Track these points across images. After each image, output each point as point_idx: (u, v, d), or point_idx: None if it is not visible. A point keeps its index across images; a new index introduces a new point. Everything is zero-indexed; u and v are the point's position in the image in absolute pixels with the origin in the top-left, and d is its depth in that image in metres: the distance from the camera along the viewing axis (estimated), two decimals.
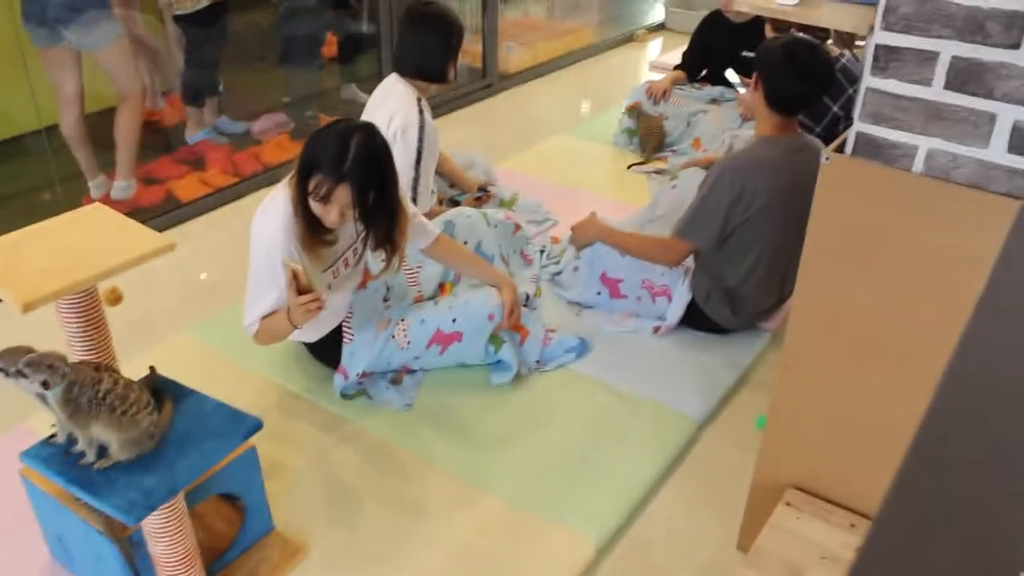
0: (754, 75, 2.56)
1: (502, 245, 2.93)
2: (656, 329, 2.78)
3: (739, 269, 2.65)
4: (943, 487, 0.55)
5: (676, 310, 2.74)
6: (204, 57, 4.13)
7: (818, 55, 2.52)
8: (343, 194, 2.11)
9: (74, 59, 3.34)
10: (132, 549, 1.74)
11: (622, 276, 2.83)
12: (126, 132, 3.55)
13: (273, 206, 2.23)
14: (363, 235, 2.37)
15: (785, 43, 2.55)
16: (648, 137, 4.06)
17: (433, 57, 2.94)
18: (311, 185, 2.12)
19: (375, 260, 2.49)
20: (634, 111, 4.14)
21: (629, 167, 4.02)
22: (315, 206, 2.15)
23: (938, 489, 0.55)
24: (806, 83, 2.49)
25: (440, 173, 3.36)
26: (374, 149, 2.14)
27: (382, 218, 2.24)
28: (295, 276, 2.10)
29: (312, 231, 2.20)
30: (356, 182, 2.10)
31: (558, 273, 3.02)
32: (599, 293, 2.88)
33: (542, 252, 3.16)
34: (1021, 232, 1.03)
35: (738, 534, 2.04)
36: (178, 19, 3.94)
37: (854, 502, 1.78)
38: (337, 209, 2.14)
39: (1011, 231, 1.07)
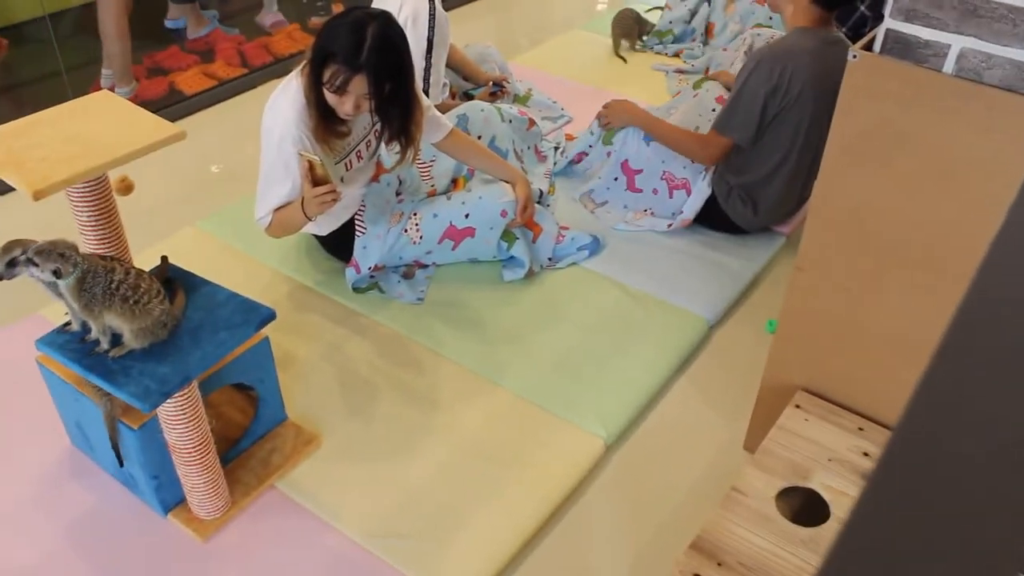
0: None
1: (516, 140, 2.89)
2: (669, 225, 2.76)
3: (765, 166, 2.60)
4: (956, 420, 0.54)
5: (694, 205, 2.70)
6: None
7: None
8: (359, 84, 2.07)
9: None
10: (116, 431, 1.76)
11: (643, 168, 2.79)
12: (111, 37, 3.43)
13: (285, 97, 2.19)
14: (376, 127, 2.33)
15: None
16: (615, 30, 4.01)
17: None
18: (326, 75, 2.08)
19: (388, 153, 2.46)
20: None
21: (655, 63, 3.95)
22: (330, 96, 2.11)
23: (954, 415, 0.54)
24: None
25: (452, 66, 3.29)
26: (391, 38, 2.09)
27: (397, 110, 2.20)
28: (311, 167, 2.08)
29: (325, 122, 2.17)
30: (372, 72, 2.06)
31: (576, 162, 2.99)
32: (616, 179, 2.84)
33: (556, 149, 3.11)
34: None
35: (745, 434, 2.06)
36: None
37: (863, 406, 1.80)
38: (352, 99, 2.10)
39: None
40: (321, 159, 2.09)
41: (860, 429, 1.77)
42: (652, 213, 2.81)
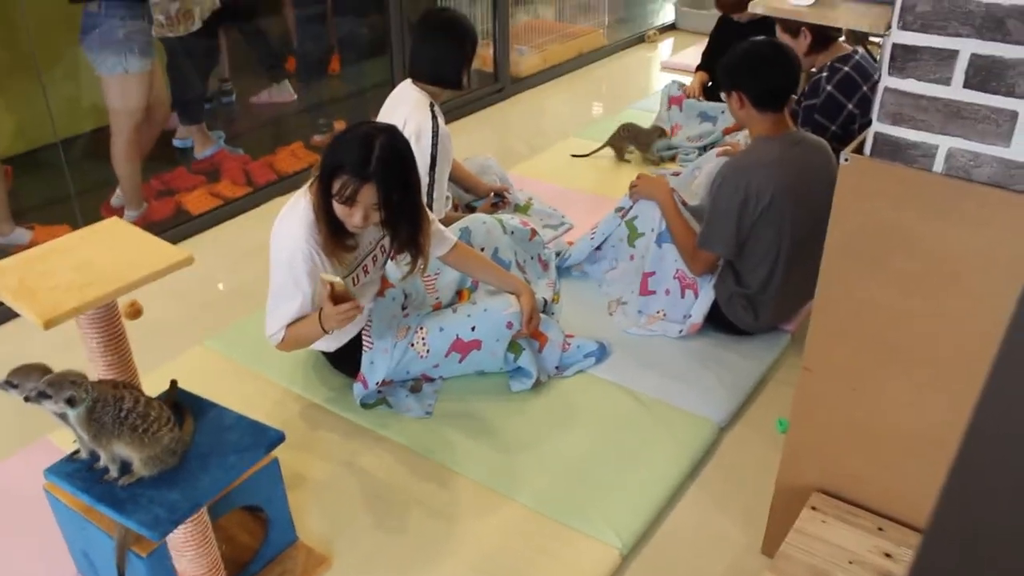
0: (727, 92, 2.65)
1: (518, 251, 2.93)
2: (680, 331, 2.77)
3: (759, 273, 2.65)
4: (989, 512, 0.54)
5: (702, 308, 2.73)
6: (200, 75, 4.14)
7: (779, 47, 2.66)
8: (368, 195, 2.12)
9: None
10: (125, 560, 1.74)
11: (655, 270, 2.84)
12: (122, 162, 3.53)
13: (293, 212, 2.24)
14: (382, 240, 2.37)
15: (747, 48, 2.64)
16: (624, 142, 4.08)
17: (448, 63, 2.94)
18: (335, 187, 2.13)
19: (395, 266, 2.49)
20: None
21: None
22: (339, 208, 2.16)
23: (984, 514, 0.54)
24: (781, 73, 2.58)
25: (454, 179, 3.36)
26: (398, 150, 2.15)
27: (406, 220, 2.24)
28: (332, 288, 2.11)
29: (334, 236, 2.21)
30: (381, 182, 2.11)
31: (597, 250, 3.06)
32: (632, 289, 2.91)
33: (558, 255, 3.15)
34: None
35: (763, 539, 2.03)
36: (169, 40, 3.81)
37: (881, 505, 1.77)
38: (362, 211, 2.14)
39: None
40: (331, 274, 2.13)
41: (880, 529, 1.74)
42: (664, 315, 2.83)
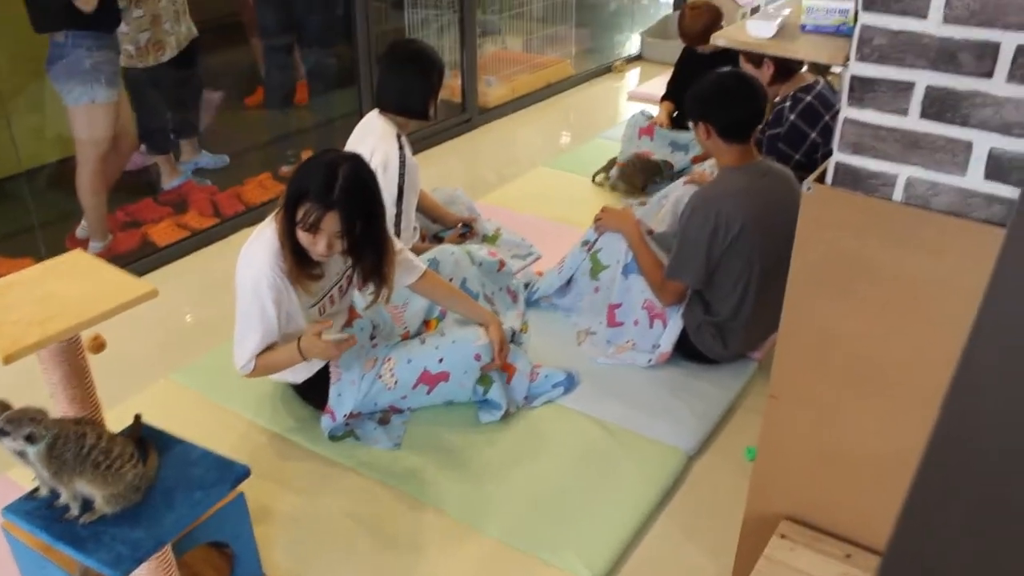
0: (694, 123, 2.67)
1: (486, 283, 2.93)
2: (649, 361, 2.77)
3: (727, 303, 2.66)
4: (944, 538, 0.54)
5: (670, 337, 2.74)
6: (169, 105, 4.12)
7: (745, 79, 2.69)
8: (331, 222, 2.11)
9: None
10: None
11: (622, 301, 2.84)
12: (88, 193, 3.50)
13: (259, 240, 2.23)
14: (349, 270, 2.36)
15: (715, 80, 2.67)
16: (638, 174, 4.06)
17: (415, 94, 2.95)
18: (299, 214, 2.12)
19: (361, 297, 2.48)
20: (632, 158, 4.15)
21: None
22: (303, 236, 2.15)
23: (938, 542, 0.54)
24: (747, 105, 2.61)
25: (421, 210, 3.36)
26: (362, 178, 2.15)
27: (370, 249, 2.24)
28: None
29: (299, 264, 2.21)
30: (344, 210, 2.10)
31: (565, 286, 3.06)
32: (600, 320, 2.92)
33: (527, 286, 3.15)
34: (1007, 260, 1.03)
35: (732, 567, 2.02)
36: (136, 72, 3.81)
37: (849, 532, 1.78)
38: (325, 239, 2.14)
39: (998, 259, 1.07)
40: (296, 301, 2.13)
41: (847, 556, 1.75)
42: (634, 345, 2.84)
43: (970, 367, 0.72)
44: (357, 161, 2.18)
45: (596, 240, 2.95)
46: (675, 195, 3.32)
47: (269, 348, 2.27)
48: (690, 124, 2.79)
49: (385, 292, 2.33)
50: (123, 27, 3.58)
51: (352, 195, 2.12)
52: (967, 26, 1.34)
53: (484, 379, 2.52)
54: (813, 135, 3.25)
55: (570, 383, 2.69)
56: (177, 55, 3.87)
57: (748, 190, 2.59)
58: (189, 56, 3.98)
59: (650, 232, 2.87)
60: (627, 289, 2.83)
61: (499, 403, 2.53)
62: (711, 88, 2.65)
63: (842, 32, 2.32)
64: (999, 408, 0.74)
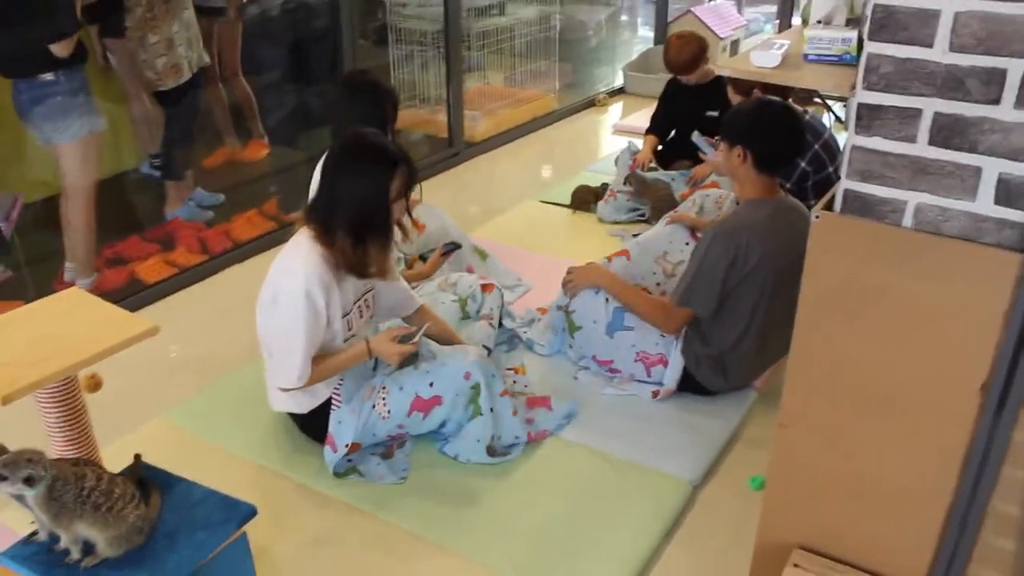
0: (729, 144, 2.57)
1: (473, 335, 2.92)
2: (655, 394, 2.75)
3: (731, 335, 2.63)
4: None
5: (674, 375, 2.72)
6: (186, 129, 4.17)
7: (791, 111, 2.62)
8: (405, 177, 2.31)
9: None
10: None
11: (612, 358, 2.82)
12: (78, 229, 3.47)
13: (295, 253, 2.30)
14: (367, 295, 2.47)
15: (760, 106, 2.61)
16: (659, 204, 4.03)
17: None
18: (393, 190, 2.28)
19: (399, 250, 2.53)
20: (634, 184, 4.15)
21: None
22: (398, 208, 2.32)
23: None
24: (791, 139, 2.57)
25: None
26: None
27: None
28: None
29: (348, 261, 2.29)
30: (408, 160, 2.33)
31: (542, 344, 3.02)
32: (591, 370, 2.90)
33: (532, 321, 3.14)
34: None
35: None
36: (159, 95, 3.98)
37: (864, 559, 1.76)
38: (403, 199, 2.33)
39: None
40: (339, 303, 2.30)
41: None
42: (637, 379, 2.82)
43: None
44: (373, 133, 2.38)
45: (569, 303, 2.89)
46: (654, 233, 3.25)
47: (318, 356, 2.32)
48: (721, 145, 2.63)
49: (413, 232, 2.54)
50: (142, 54, 3.81)
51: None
52: (973, 54, 1.36)
53: (475, 408, 2.48)
54: (803, 164, 3.29)
55: (571, 414, 2.69)
56: (184, 83, 3.94)
57: (770, 225, 2.55)
58: (196, 83, 4.04)
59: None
60: (615, 348, 2.79)
61: (518, 443, 2.54)
62: (756, 113, 2.58)
63: (845, 61, 2.35)
64: None
